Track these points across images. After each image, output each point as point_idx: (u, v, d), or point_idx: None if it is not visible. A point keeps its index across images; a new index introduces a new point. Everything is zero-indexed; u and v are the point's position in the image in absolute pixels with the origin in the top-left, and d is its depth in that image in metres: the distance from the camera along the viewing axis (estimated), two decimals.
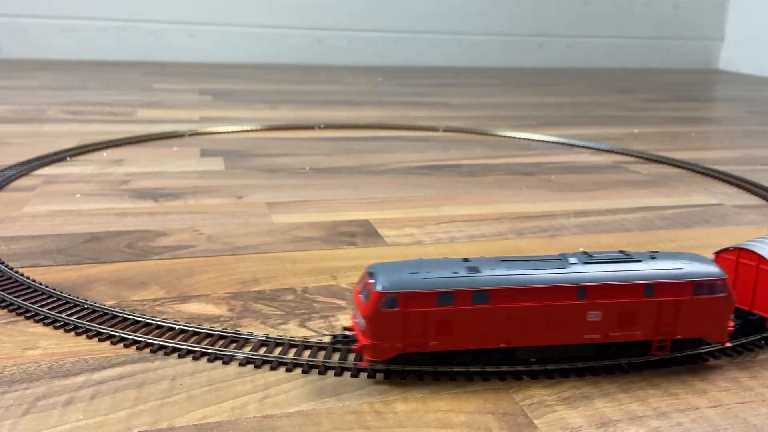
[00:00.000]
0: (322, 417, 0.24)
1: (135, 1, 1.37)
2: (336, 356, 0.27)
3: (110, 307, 0.30)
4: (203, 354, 0.27)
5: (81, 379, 0.25)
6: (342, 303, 0.32)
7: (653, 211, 0.49)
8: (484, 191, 0.53)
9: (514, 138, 0.75)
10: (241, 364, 0.27)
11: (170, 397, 0.25)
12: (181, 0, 1.39)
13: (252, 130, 0.74)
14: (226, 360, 0.27)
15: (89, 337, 0.28)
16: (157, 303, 0.32)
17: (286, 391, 0.25)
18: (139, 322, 0.29)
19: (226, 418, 0.23)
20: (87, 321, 0.29)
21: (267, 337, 0.28)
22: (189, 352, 0.27)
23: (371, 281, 0.25)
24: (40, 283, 0.32)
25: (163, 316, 0.30)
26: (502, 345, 0.25)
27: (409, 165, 0.61)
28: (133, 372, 0.26)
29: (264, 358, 0.27)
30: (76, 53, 1.36)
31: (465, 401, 0.25)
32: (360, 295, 0.25)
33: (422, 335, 0.25)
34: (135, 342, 0.28)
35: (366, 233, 0.42)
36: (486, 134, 0.77)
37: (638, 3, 1.67)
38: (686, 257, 0.27)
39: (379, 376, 0.26)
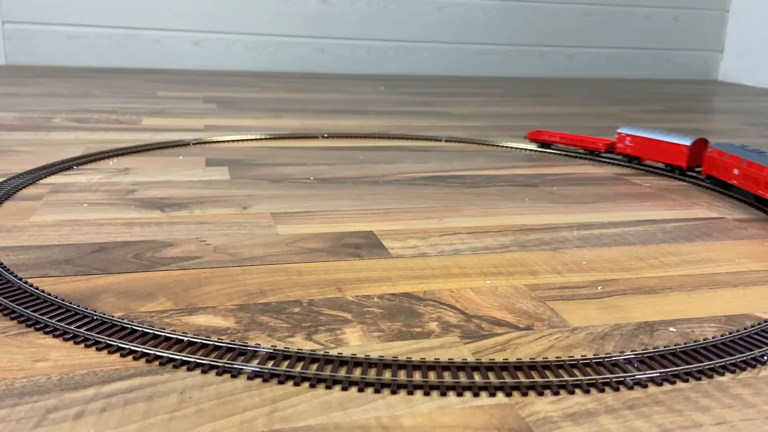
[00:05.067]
0: (330, 431, 0.24)
1: (140, 8, 1.38)
2: (343, 370, 0.28)
3: (119, 318, 0.31)
4: (212, 367, 0.28)
5: (91, 391, 0.26)
6: (348, 316, 0.33)
7: (655, 224, 0.50)
8: (487, 203, 0.54)
9: (516, 148, 0.76)
10: (249, 378, 0.27)
11: (179, 411, 0.25)
12: (185, 8, 1.40)
13: (256, 139, 0.74)
14: (235, 373, 0.27)
15: (98, 349, 0.28)
16: (165, 315, 0.32)
17: (294, 405, 0.25)
18: (147, 334, 0.30)
19: None
20: (96, 333, 0.29)
21: (275, 350, 0.29)
22: (198, 365, 0.28)
23: None
24: (49, 294, 0.33)
25: (171, 328, 0.31)
26: None
27: (412, 176, 0.61)
28: (142, 385, 0.26)
29: (272, 371, 0.27)
30: (81, 60, 1.37)
31: (472, 417, 0.25)
32: None
33: None
34: (144, 354, 0.28)
35: (371, 245, 0.43)
36: (488, 144, 0.77)
37: (639, 14, 1.69)
38: None
39: (386, 390, 0.26)
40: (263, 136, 0.75)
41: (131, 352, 0.28)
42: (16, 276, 0.35)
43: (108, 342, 0.29)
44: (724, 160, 0.57)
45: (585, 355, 0.29)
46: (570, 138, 0.71)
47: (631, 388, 0.27)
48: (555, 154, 0.73)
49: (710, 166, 0.60)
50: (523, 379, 0.27)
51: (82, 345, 0.29)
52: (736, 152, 0.56)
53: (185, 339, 0.29)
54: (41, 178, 0.54)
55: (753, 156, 0.54)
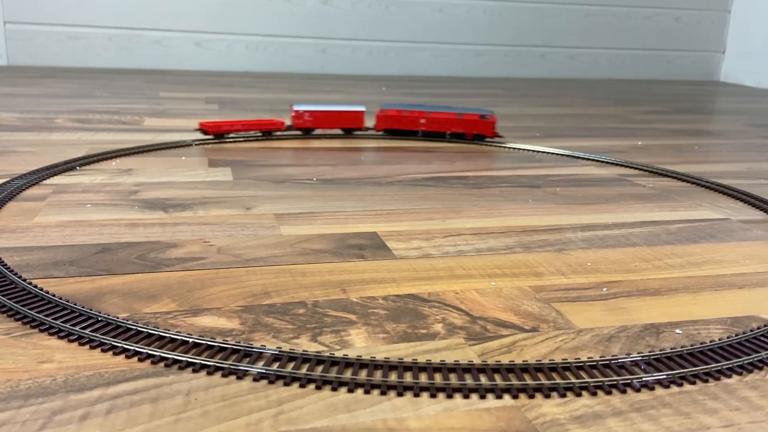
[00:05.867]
0: None
1: (141, 9, 1.37)
2: (348, 372, 0.27)
3: (123, 320, 0.30)
4: (217, 368, 0.27)
5: (96, 393, 0.26)
6: (353, 317, 0.33)
7: (659, 225, 0.50)
8: (490, 204, 0.53)
9: (519, 149, 0.75)
10: (254, 379, 0.27)
11: (185, 413, 0.25)
12: (187, 9, 1.40)
13: (258, 140, 0.74)
14: (240, 375, 0.27)
15: (103, 351, 0.28)
16: (170, 316, 0.32)
17: (300, 407, 0.25)
18: (152, 335, 0.30)
19: None
20: (101, 334, 0.29)
21: (280, 351, 0.28)
22: (203, 366, 0.28)
23: None
24: (54, 295, 0.32)
25: (176, 330, 0.31)
26: None
27: (414, 176, 0.61)
28: (147, 386, 0.26)
29: (277, 373, 0.27)
30: (82, 61, 1.37)
31: (478, 419, 0.25)
32: None
33: None
34: (149, 356, 0.28)
35: (374, 246, 0.43)
36: (491, 145, 0.77)
37: (640, 15, 1.69)
38: None
39: (392, 392, 0.26)
40: (265, 137, 0.75)
41: (136, 353, 0.28)
42: (20, 277, 0.35)
43: (113, 343, 0.29)
44: (405, 115, 0.76)
45: (591, 357, 0.29)
46: (247, 124, 0.73)
47: (638, 390, 0.27)
48: (558, 155, 0.73)
49: (389, 122, 0.77)
50: (529, 381, 0.27)
51: (87, 346, 0.29)
52: (413, 108, 0.77)
53: (190, 340, 0.29)
54: (44, 179, 0.54)
55: (430, 108, 0.77)
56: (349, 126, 0.77)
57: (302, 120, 0.76)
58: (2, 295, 0.32)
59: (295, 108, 0.76)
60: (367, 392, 0.26)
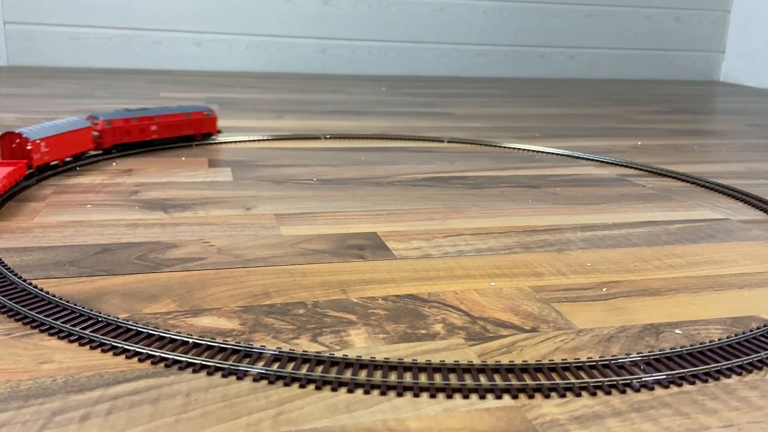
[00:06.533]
0: None
1: (142, 9, 1.38)
2: (348, 372, 0.27)
3: (124, 320, 0.30)
4: (217, 369, 0.27)
5: (96, 393, 0.26)
6: (353, 317, 0.33)
7: (659, 225, 0.50)
8: (490, 204, 0.53)
9: (519, 149, 0.75)
10: (254, 380, 0.27)
11: (185, 413, 0.25)
12: (187, 9, 1.40)
13: (258, 140, 0.74)
14: (240, 375, 0.27)
15: (104, 351, 0.28)
16: (170, 316, 0.32)
17: (300, 408, 0.25)
18: (152, 335, 0.30)
19: None
20: (101, 335, 0.29)
21: (280, 352, 0.28)
22: (203, 366, 0.28)
23: None
24: (54, 296, 0.33)
25: (176, 330, 0.31)
26: None
27: (415, 176, 0.61)
28: (147, 387, 0.26)
29: (277, 373, 0.27)
30: (83, 61, 1.37)
31: (478, 419, 0.25)
32: None
33: None
34: (149, 356, 0.28)
35: (374, 246, 0.43)
36: (491, 146, 0.77)
37: (640, 15, 1.69)
38: None
39: (392, 393, 0.26)
40: (265, 137, 0.75)
41: (136, 353, 0.28)
42: (20, 277, 0.35)
43: (113, 344, 0.29)
44: (135, 124, 0.64)
45: (591, 357, 0.29)
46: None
47: (637, 390, 0.27)
48: (558, 155, 0.73)
49: (119, 136, 0.63)
50: (529, 381, 0.27)
51: (87, 347, 0.29)
52: (138, 114, 0.65)
53: (190, 341, 0.29)
54: (44, 179, 0.54)
55: (154, 111, 0.66)
56: (82, 149, 0.59)
57: (40, 153, 0.53)
58: (2, 296, 0.32)
59: (31, 137, 0.51)
60: (366, 392, 0.26)
